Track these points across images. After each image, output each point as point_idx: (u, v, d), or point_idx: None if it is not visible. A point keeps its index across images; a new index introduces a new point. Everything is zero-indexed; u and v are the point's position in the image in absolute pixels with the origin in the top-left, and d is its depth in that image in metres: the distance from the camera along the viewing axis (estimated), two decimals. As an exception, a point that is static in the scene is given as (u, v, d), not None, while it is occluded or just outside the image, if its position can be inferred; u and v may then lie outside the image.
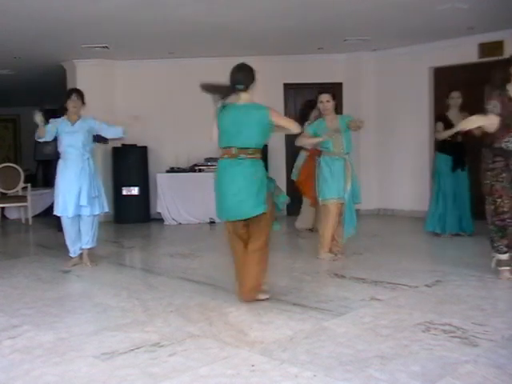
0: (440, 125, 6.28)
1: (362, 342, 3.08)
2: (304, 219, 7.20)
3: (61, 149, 5.32)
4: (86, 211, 5.28)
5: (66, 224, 5.32)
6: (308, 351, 2.97)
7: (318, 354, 2.92)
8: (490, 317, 3.48)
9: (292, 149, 8.33)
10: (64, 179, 5.22)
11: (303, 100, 8.54)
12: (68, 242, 5.40)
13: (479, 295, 3.98)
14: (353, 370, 2.70)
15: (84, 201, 5.21)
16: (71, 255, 5.45)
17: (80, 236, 5.40)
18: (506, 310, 3.65)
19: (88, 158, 5.31)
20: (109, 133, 5.42)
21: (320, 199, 5.39)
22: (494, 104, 4.23)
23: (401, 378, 2.60)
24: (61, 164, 5.31)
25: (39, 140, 5.39)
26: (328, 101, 5.24)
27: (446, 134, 6.16)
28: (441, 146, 6.39)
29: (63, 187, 5.22)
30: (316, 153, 5.76)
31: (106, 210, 5.53)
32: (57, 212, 5.28)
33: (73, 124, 5.29)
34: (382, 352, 2.92)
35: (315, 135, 5.28)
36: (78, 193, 5.20)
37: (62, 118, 5.36)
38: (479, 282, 4.34)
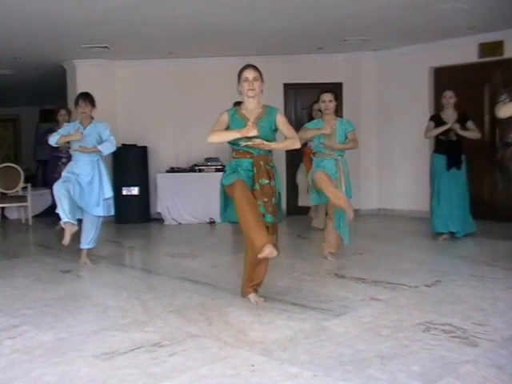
0: (431, 124, 6.28)
1: (362, 342, 3.08)
2: (319, 219, 7.17)
3: (72, 151, 5.41)
4: (96, 211, 5.32)
5: (60, 187, 5.10)
6: (308, 351, 2.97)
7: (317, 354, 2.92)
8: (490, 317, 3.48)
9: (292, 151, 8.34)
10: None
11: (304, 100, 8.56)
12: (59, 206, 5.05)
13: (479, 295, 3.98)
14: (353, 370, 2.70)
15: (94, 200, 5.29)
16: (64, 219, 5.03)
17: (80, 209, 5.29)
18: (506, 310, 3.65)
19: (98, 160, 5.41)
20: (106, 150, 5.37)
21: (310, 201, 5.50)
22: (504, 97, 4.30)
23: (401, 378, 2.60)
24: (72, 165, 5.37)
25: (52, 144, 5.40)
26: (330, 100, 5.21)
27: (436, 131, 6.19)
28: (436, 146, 6.38)
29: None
30: (311, 152, 5.83)
31: (111, 212, 5.53)
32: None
33: (85, 128, 5.35)
34: (382, 352, 2.92)
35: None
36: (88, 193, 5.26)
37: (76, 121, 5.46)
38: (479, 282, 4.34)
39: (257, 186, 3.75)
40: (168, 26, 6.64)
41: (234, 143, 3.84)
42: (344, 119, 5.52)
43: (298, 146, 3.95)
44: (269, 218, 3.73)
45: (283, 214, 8.55)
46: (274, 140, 3.90)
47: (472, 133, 6.10)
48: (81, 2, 5.54)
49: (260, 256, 3.54)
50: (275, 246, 3.60)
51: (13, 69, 9.19)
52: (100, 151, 5.33)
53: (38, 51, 7.91)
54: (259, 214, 3.67)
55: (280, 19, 6.47)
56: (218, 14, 6.13)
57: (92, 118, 5.43)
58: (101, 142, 5.37)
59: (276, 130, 3.92)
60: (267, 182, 3.78)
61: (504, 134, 4.54)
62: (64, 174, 5.29)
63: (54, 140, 5.32)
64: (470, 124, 6.14)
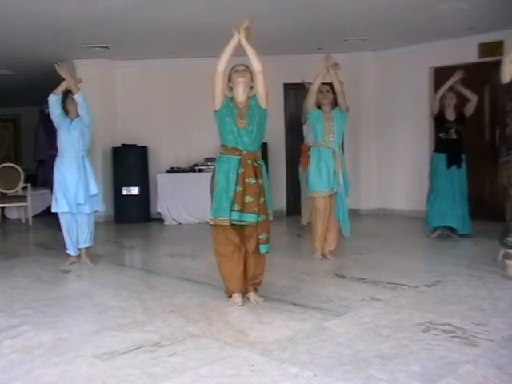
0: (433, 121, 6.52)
1: (362, 342, 3.08)
2: (304, 215, 7.18)
3: (59, 145, 5.41)
4: (83, 209, 5.35)
5: (65, 221, 5.39)
6: (308, 351, 2.97)
7: (317, 354, 2.92)
8: (490, 317, 3.48)
9: (292, 149, 8.35)
10: (61, 176, 5.30)
11: (304, 100, 8.54)
12: (67, 240, 5.45)
13: (479, 295, 3.98)
14: (353, 370, 2.70)
15: (81, 199, 5.28)
16: (71, 253, 5.49)
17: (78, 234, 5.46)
18: (506, 310, 3.65)
19: (83, 156, 5.39)
20: (81, 96, 5.32)
21: (308, 191, 5.44)
22: None
23: (401, 378, 2.60)
24: (58, 161, 5.40)
25: (51, 97, 5.38)
26: (328, 91, 5.28)
27: (445, 86, 6.28)
28: (437, 145, 6.43)
29: (61, 184, 5.29)
30: (308, 149, 5.83)
31: (98, 208, 5.54)
32: (55, 209, 5.36)
33: (71, 122, 5.38)
34: (382, 352, 2.92)
35: (313, 123, 5.33)
36: (75, 190, 5.26)
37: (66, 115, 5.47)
38: (479, 282, 4.34)
39: (239, 188, 3.76)
40: (168, 25, 6.63)
41: (225, 133, 3.89)
42: (338, 108, 5.49)
43: (260, 65, 3.97)
44: (253, 217, 3.75)
45: (283, 213, 8.62)
46: (264, 131, 3.96)
47: (471, 93, 6.21)
48: (81, 1, 5.54)
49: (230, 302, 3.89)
50: (243, 293, 3.93)
51: (13, 69, 9.19)
52: (79, 89, 5.28)
53: (38, 51, 7.91)
54: (236, 260, 3.87)
55: (280, 19, 6.46)
56: (218, 14, 6.13)
57: (78, 114, 5.40)
58: (84, 135, 5.38)
59: (265, 113, 3.92)
60: (254, 181, 3.79)
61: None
62: (58, 191, 5.31)
63: (51, 99, 5.35)
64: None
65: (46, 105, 5.58)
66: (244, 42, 3.98)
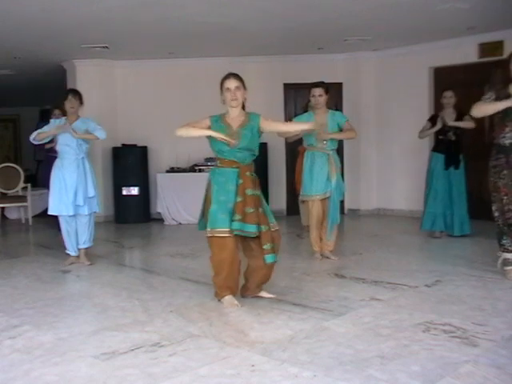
0: (427, 124, 6.38)
1: (362, 342, 3.08)
2: (304, 216, 7.18)
3: (57, 148, 5.39)
4: (82, 210, 5.35)
5: (64, 222, 5.39)
6: (308, 351, 2.97)
7: (318, 354, 2.92)
8: (490, 317, 3.48)
9: (292, 149, 8.34)
10: (60, 178, 5.29)
11: (304, 100, 8.55)
12: (66, 241, 5.46)
13: (479, 295, 3.98)
14: (353, 370, 2.70)
15: (80, 200, 5.29)
16: (71, 253, 5.49)
17: (77, 235, 5.47)
18: (506, 309, 3.65)
19: (83, 158, 5.38)
20: (102, 134, 5.34)
21: (301, 195, 5.42)
22: (489, 95, 4.27)
23: (401, 378, 2.60)
24: (57, 163, 5.38)
25: (34, 142, 5.39)
26: (320, 95, 5.21)
27: (429, 132, 6.32)
28: (435, 145, 6.43)
29: (59, 186, 5.28)
30: (305, 150, 5.83)
31: (96, 209, 5.54)
32: (52, 211, 5.36)
33: (70, 124, 5.33)
34: (382, 352, 2.92)
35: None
36: (74, 192, 5.26)
37: (64, 118, 5.44)
38: (479, 282, 4.34)
39: (239, 199, 3.73)
40: (168, 25, 6.63)
41: (218, 151, 3.86)
42: (336, 112, 5.47)
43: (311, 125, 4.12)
44: (253, 228, 3.72)
45: (283, 213, 8.61)
46: (257, 148, 3.91)
47: (465, 122, 6.05)
48: (81, 2, 5.54)
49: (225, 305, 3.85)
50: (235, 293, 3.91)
51: (13, 69, 9.19)
52: (98, 138, 5.33)
53: (38, 51, 7.91)
54: (234, 265, 3.82)
55: (280, 19, 6.46)
56: (218, 14, 6.13)
57: (78, 116, 5.39)
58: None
59: (260, 135, 3.92)
60: (252, 192, 3.78)
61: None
62: (55, 193, 5.31)
63: (31, 137, 5.32)
64: (466, 118, 6.16)
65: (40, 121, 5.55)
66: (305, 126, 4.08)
